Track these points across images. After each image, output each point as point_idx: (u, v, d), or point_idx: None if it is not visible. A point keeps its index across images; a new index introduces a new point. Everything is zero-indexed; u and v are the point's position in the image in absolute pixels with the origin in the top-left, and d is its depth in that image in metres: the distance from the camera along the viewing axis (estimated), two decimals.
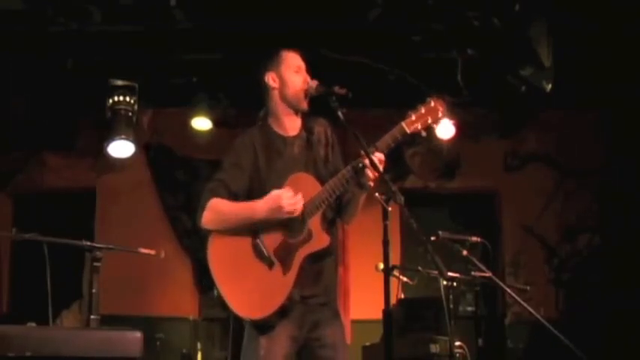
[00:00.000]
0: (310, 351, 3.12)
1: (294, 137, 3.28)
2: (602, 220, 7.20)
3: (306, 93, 3.23)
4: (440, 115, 3.12)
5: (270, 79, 3.29)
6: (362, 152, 3.00)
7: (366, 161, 2.99)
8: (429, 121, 3.11)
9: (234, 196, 3.16)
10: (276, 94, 3.28)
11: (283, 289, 3.03)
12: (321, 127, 3.34)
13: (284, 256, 3.06)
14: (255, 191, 3.18)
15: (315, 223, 3.10)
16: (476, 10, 5.24)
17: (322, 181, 3.13)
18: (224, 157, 3.27)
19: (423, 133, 3.12)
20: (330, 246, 3.13)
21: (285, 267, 3.05)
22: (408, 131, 3.08)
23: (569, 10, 5.33)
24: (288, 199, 3.03)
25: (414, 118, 3.10)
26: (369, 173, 3.00)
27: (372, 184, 3.04)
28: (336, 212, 3.28)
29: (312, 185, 3.12)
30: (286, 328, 3.06)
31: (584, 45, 5.75)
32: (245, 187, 3.19)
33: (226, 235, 3.11)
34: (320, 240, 3.10)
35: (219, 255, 3.11)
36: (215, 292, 3.11)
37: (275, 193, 3.05)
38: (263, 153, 3.22)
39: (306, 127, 3.32)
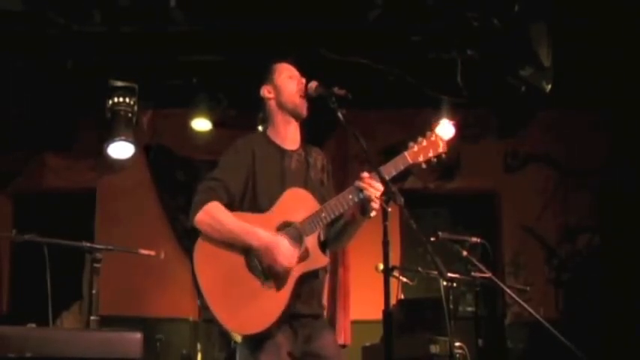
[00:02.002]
0: None
1: (293, 151, 3.26)
2: (602, 220, 7.20)
3: (304, 95, 3.22)
4: (440, 150, 3.09)
5: (266, 91, 3.30)
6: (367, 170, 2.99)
7: (374, 182, 2.96)
8: (430, 154, 3.08)
9: (232, 200, 3.10)
10: (272, 104, 3.29)
11: (276, 306, 2.96)
12: (319, 155, 3.34)
13: (278, 272, 2.98)
14: (247, 196, 3.13)
15: (312, 241, 3.05)
16: (476, 10, 5.24)
17: (316, 200, 3.11)
18: (222, 156, 3.23)
19: (424, 166, 3.10)
20: (327, 265, 3.12)
21: (279, 283, 2.97)
22: (410, 162, 3.06)
23: (569, 10, 5.33)
24: (286, 252, 2.96)
25: (416, 149, 3.07)
26: (371, 196, 2.95)
27: (374, 213, 2.98)
28: (328, 235, 3.24)
29: (309, 202, 3.09)
30: (283, 343, 2.99)
31: (585, 45, 5.75)
32: (240, 192, 3.13)
33: (217, 243, 3.01)
34: (317, 259, 3.06)
35: (208, 262, 3.01)
36: (199, 301, 3.00)
37: (281, 240, 2.98)
38: (260, 160, 3.18)
39: (304, 148, 3.31)
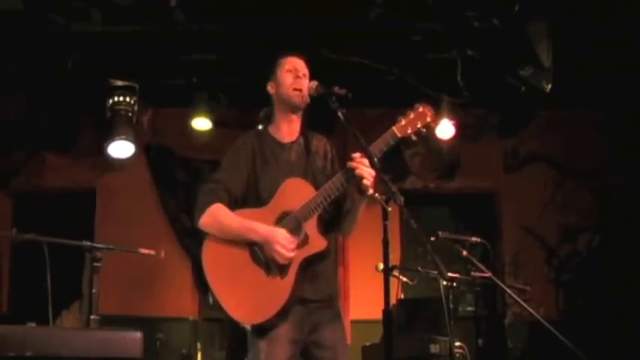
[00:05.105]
0: (309, 353, 3.13)
1: (292, 143, 3.33)
2: (602, 220, 7.20)
3: (298, 89, 3.24)
4: (428, 120, 3.19)
5: (270, 88, 3.38)
6: (359, 152, 3.06)
7: (365, 161, 3.03)
8: (419, 125, 3.17)
9: (234, 200, 3.18)
10: (274, 99, 3.36)
11: (282, 293, 3.04)
12: (321, 142, 3.41)
13: (279, 262, 3.06)
14: (250, 195, 3.21)
15: (311, 226, 3.11)
16: (476, 10, 5.24)
17: (318, 188, 3.15)
18: (224, 157, 3.30)
19: (414, 137, 3.18)
20: (327, 249, 3.15)
21: (283, 271, 3.06)
22: (399, 135, 3.14)
23: (569, 10, 5.33)
24: (284, 242, 3.04)
25: (403, 122, 3.16)
26: (363, 174, 3.03)
27: (371, 190, 3.06)
28: (333, 219, 3.29)
29: (307, 190, 3.14)
30: (287, 331, 3.06)
31: (584, 45, 5.75)
32: (243, 190, 3.21)
33: (223, 242, 3.12)
34: (317, 244, 3.12)
35: (215, 259, 3.11)
36: (210, 298, 3.09)
37: (278, 231, 3.06)
38: (260, 157, 3.25)
39: (304, 135, 3.36)
